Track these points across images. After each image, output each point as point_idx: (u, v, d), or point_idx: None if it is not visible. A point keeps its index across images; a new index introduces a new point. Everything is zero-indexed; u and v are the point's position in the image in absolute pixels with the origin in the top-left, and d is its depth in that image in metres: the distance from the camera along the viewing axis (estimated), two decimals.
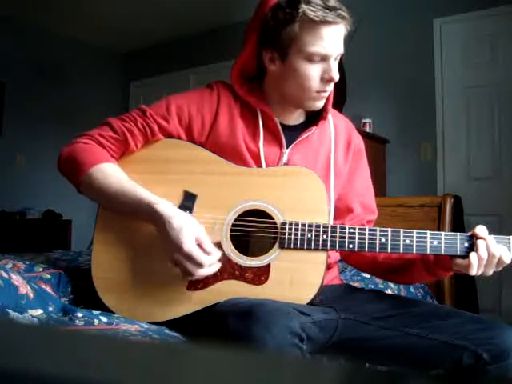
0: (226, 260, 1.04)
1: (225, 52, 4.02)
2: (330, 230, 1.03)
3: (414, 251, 1.02)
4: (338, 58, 1.10)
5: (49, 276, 1.23)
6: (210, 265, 1.00)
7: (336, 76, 1.08)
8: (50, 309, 1.05)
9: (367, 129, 3.46)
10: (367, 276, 1.72)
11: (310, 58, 1.06)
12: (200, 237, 1.00)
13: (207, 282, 1.04)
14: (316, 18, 1.02)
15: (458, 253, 1.01)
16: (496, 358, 0.96)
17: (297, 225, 1.04)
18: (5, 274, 1.00)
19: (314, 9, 1.02)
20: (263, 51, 1.12)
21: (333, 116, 1.23)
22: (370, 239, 1.02)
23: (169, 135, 1.14)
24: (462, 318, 1.04)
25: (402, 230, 1.02)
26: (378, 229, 1.03)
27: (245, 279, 1.03)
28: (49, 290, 1.17)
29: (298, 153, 1.16)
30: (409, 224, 2.01)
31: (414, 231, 1.02)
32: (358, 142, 1.27)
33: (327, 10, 1.02)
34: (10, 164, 4.49)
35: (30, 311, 0.99)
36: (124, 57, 5.55)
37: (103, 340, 0.29)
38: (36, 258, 1.39)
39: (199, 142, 1.14)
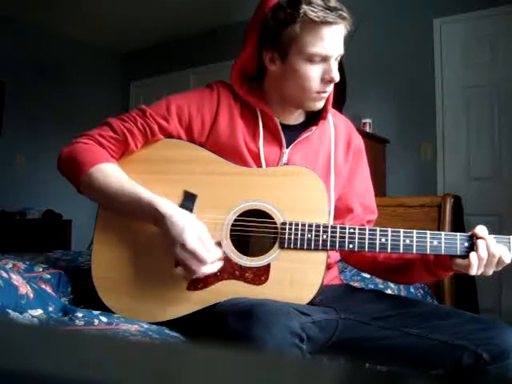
0: (226, 260, 1.04)
1: (225, 52, 4.02)
2: (330, 230, 1.03)
3: (414, 251, 1.02)
4: (339, 59, 1.10)
5: (49, 276, 1.23)
6: (213, 262, 1.00)
7: (336, 76, 1.08)
8: (50, 309, 1.05)
9: (367, 129, 3.46)
10: (367, 276, 1.72)
11: (311, 59, 1.06)
12: (202, 234, 1.00)
13: (207, 281, 1.04)
14: (317, 19, 1.02)
15: (458, 253, 1.01)
16: (496, 357, 0.96)
17: (297, 225, 1.04)
18: (5, 274, 1.00)
19: (315, 9, 1.01)
20: (263, 51, 1.12)
21: (333, 116, 1.23)
22: (370, 239, 1.02)
23: (169, 135, 1.14)
24: (461, 318, 1.04)
25: (402, 230, 1.02)
26: (378, 229, 1.03)
27: (245, 279, 1.03)
28: (49, 290, 1.17)
29: (298, 153, 1.16)
30: (409, 224, 2.01)
31: (414, 231, 1.02)
32: (358, 142, 1.27)
33: (328, 11, 1.02)
34: (10, 164, 4.49)
35: (30, 311, 0.99)
36: (124, 57, 5.55)
37: (103, 340, 0.29)
38: (36, 258, 1.39)
39: (199, 142, 1.14)
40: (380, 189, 3.24)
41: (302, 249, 1.03)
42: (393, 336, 1.04)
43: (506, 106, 3.26)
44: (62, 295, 1.21)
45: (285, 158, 1.15)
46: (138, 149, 1.13)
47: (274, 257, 1.04)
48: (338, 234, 1.03)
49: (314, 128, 1.17)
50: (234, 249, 1.05)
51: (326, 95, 1.12)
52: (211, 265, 1.00)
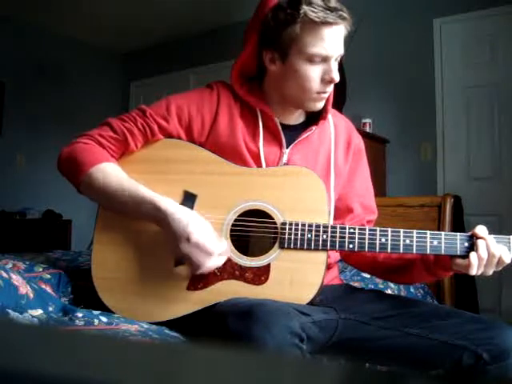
0: (226, 260, 1.04)
1: (225, 52, 4.02)
2: (329, 230, 1.03)
3: (414, 251, 1.02)
4: (339, 59, 1.10)
5: (49, 276, 1.23)
6: (220, 254, 1.00)
7: (336, 77, 1.08)
8: (50, 309, 1.05)
9: (367, 129, 3.46)
10: (367, 276, 1.72)
11: (311, 59, 1.06)
12: (207, 228, 1.00)
13: (207, 281, 1.04)
14: (317, 19, 1.02)
15: (458, 253, 1.01)
16: (496, 357, 0.96)
17: (297, 225, 1.04)
18: (5, 274, 1.00)
19: (315, 10, 1.01)
20: (263, 51, 1.12)
21: (333, 116, 1.23)
22: (370, 239, 1.02)
23: (169, 135, 1.14)
24: (461, 318, 1.04)
25: (402, 230, 1.02)
26: (378, 229, 1.03)
27: (245, 279, 1.03)
28: (49, 290, 1.17)
29: (298, 153, 1.16)
30: (409, 224, 2.01)
31: (414, 231, 1.02)
32: (358, 142, 1.27)
33: (328, 11, 1.02)
34: (10, 164, 4.49)
35: (30, 311, 0.99)
36: (124, 57, 5.55)
37: (103, 340, 0.29)
38: (36, 258, 1.39)
39: (199, 142, 1.14)
40: (380, 189, 3.24)
41: (301, 249, 1.03)
42: (393, 336, 1.04)
43: (506, 106, 3.26)
44: (62, 295, 1.21)
45: (285, 158, 1.15)
46: (137, 149, 1.13)
47: (274, 257, 1.04)
48: (337, 234, 1.03)
49: (314, 128, 1.17)
50: (234, 249, 1.05)
51: (325, 96, 1.12)
52: (217, 257, 0.99)
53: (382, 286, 1.69)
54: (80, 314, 1.01)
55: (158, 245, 1.06)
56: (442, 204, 2.04)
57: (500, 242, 1.00)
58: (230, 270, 1.04)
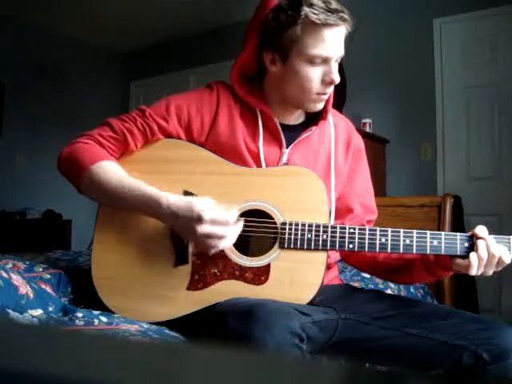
0: (226, 260, 1.04)
1: (225, 52, 4.02)
2: (329, 230, 1.03)
3: (414, 251, 1.02)
4: (339, 60, 1.10)
5: (49, 276, 1.23)
6: (236, 222, 0.98)
7: (337, 78, 1.08)
8: (50, 309, 1.05)
9: (367, 129, 3.46)
10: (367, 276, 1.72)
11: (312, 61, 1.06)
12: (212, 203, 0.99)
13: (207, 281, 1.04)
14: (318, 21, 1.02)
15: (458, 253, 1.01)
16: (496, 357, 0.96)
17: (297, 225, 1.04)
18: (5, 274, 1.00)
19: (316, 11, 1.01)
20: (264, 52, 1.12)
21: (333, 116, 1.23)
22: (370, 239, 1.02)
23: (168, 135, 1.14)
24: (462, 318, 1.04)
25: (402, 230, 1.02)
26: (378, 229, 1.03)
27: (245, 279, 1.03)
28: (49, 290, 1.17)
29: (298, 153, 1.16)
30: (409, 224, 2.01)
31: (414, 231, 1.02)
32: (358, 142, 1.27)
33: (329, 13, 1.02)
34: (10, 164, 4.49)
35: (30, 311, 0.99)
36: (124, 57, 5.55)
37: (103, 340, 0.29)
38: (36, 258, 1.39)
39: (199, 142, 1.14)
40: (380, 189, 3.24)
41: (301, 249, 1.03)
42: (393, 336, 1.05)
43: (506, 106, 3.26)
44: (62, 295, 1.21)
45: (285, 158, 1.15)
46: (137, 149, 1.13)
47: (274, 257, 1.04)
48: (337, 234, 1.03)
49: (314, 128, 1.17)
50: (234, 249, 1.05)
51: (325, 97, 1.12)
52: (234, 227, 0.98)
53: (381, 286, 1.69)
54: (80, 314, 1.01)
55: (158, 245, 1.06)
56: (442, 204, 2.04)
57: (500, 242, 1.00)
58: (229, 270, 1.04)
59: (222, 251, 1.03)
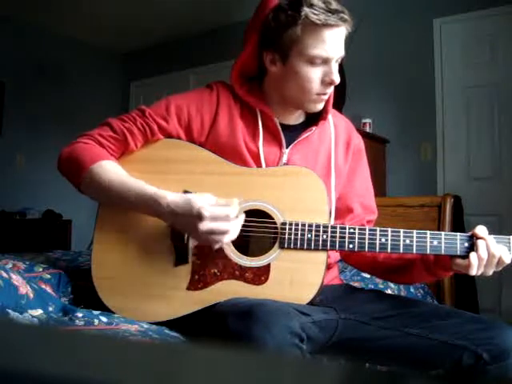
0: (226, 260, 1.04)
1: (225, 52, 4.02)
2: (329, 230, 1.03)
3: (414, 251, 1.02)
4: (339, 61, 1.10)
5: (49, 276, 1.23)
6: (237, 216, 0.97)
7: (337, 79, 1.08)
8: (50, 309, 1.05)
9: (367, 129, 3.46)
10: (367, 276, 1.72)
11: (312, 61, 1.06)
12: (212, 198, 0.98)
13: (207, 281, 1.04)
14: (318, 22, 1.02)
15: (458, 253, 1.01)
16: (496, 357, 0.96)
17: (297, 225, 1.04)
18: (5, 274, 1.00)
19: (317, 12, 1.01)
20: (264, 52, 1.12)
21: (333, 116, 1.23)
22: (370, 239, 1.02)
23: (168, 135, 1.14)
24: (462, 318, 1.04)
25: (402, 230, 1.02)
26: (378, 229, 1.03)
27: (245, 279, 1.03)
28: (49, 290, 1.17)
29: (298, 153, 1.17)
30: (409, 224, 2.01)
31: (414, 231, 1.02)
32: (358, 142, 1.27)
33: (329, 13, 1.02)
34: (10, 164, 4.49)
35: (30, 311, 0.99)
36: (124, 57, 5.55)
37: (103, 340, 0.29)
38: (36, 258, 1.39)
39: (199, 142, 1.14)
40: (380, 189, 3.24)
41: (301, 249, 1.03)
42: (393, 336, 1.05)
43: (506, 106, 3.26)
44: (62, 295, 1.21)
45: (285, 158, 1.15)
46: (137, 148, 1.13)
47: (274, 257, 1.04)
48: (337, 234, 1.03)
49: (313, 128, 1.17)
50: (233, 249, 1.05)
51: (325, 97, 1.12)
52: (236, 220, 0.97)
53: (381, 286, 1.69)
54: (80, 314, 1.01)
55: (158, 245, 1.06)
56: (442, 204, 2.04)
57: (500, 242, 1.00)
58: (229, 270, 1.04)
59: (222, 251, 1.03)
